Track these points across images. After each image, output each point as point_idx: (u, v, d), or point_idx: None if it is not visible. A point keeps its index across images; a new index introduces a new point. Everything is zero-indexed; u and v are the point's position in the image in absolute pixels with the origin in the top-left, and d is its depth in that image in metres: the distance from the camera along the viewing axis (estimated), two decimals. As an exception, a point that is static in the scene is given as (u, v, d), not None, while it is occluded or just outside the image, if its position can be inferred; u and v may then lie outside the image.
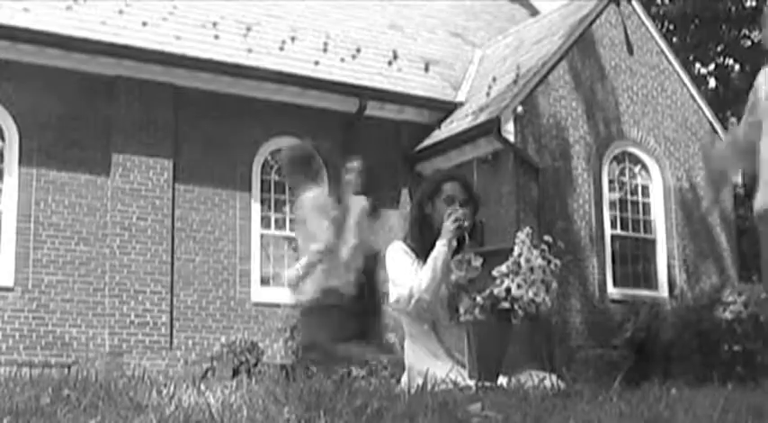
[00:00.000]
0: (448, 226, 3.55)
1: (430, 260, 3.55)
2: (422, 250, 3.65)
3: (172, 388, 2.63)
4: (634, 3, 13.84)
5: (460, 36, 16.03)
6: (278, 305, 11.85)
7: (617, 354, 11.71)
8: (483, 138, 12.31)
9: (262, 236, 12.29)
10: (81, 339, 10.85)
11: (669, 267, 13.30)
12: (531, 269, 3.12)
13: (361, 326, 6.04)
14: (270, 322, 11.75)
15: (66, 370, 9.88)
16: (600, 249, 12.74)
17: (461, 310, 3.26)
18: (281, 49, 12.97)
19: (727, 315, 11.46)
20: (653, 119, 13.64)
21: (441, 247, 3.53)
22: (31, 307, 10.65)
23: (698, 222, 13.70)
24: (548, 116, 12.64)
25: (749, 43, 21.87)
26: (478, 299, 3.15)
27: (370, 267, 6.12)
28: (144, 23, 11.96)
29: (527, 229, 3.24)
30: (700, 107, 14.11)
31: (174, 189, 11.63)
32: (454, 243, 3.55)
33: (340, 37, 14.00)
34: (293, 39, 13.33)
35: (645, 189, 13.58)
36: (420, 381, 3.02)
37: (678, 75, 13.98)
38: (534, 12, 18.42)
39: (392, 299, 3.64)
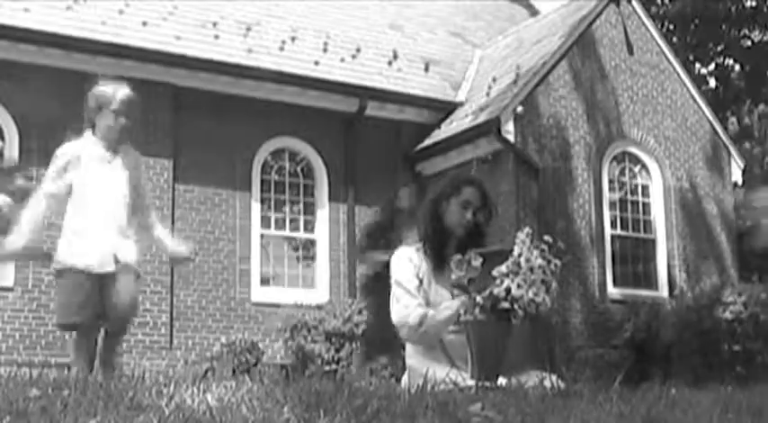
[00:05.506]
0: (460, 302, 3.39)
1: (443, 311, 3.46)
2: (432, 247, 3.65)
3: (172, 388, 2.63)
4: (634, 3, 13.83)
5: (460, 36, 16.03)
6: (278, 305, 11.87)
7: (617, 354, 11.71)
8: (483, 138, 12.31)
9: (262, 236, 12.30)
10: (81, 339, 10.84)
11: (669, 267, 13.30)
12: (531, 269, 3.12)
13: None
14: (270, 322, 11.75)
15: (66, 370, 9.87)
16: (600, 249, 12.74)
17: (462, 311, 3.26)
18: (281, 49, 12.97)
19: (728, 315, 11.46)
20: (653, 119, 13.63)
21: (453, 311, 3.40)
22: (31, 307, 10.65)
23: (698, 222, 13.71)
24: (548, 116, 12.64)
25: (749, 43, 21.89)
26: (478, 299, 3.15)
27: None
28: (144, 23, 11.96)
29: (527, 229, 3.24)
30: (700, 107, 14.12)
31: (174, 189, 11.62)
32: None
33: (340, 37, 13.99)
34: (293, 39, 13.33)
35: (645, 189, 13.58)
36: (420, 381, 3.03)
37: (678, 75, 13.98)
38: (534, 12, 18.43)
39: (395, 317, 3.60)
